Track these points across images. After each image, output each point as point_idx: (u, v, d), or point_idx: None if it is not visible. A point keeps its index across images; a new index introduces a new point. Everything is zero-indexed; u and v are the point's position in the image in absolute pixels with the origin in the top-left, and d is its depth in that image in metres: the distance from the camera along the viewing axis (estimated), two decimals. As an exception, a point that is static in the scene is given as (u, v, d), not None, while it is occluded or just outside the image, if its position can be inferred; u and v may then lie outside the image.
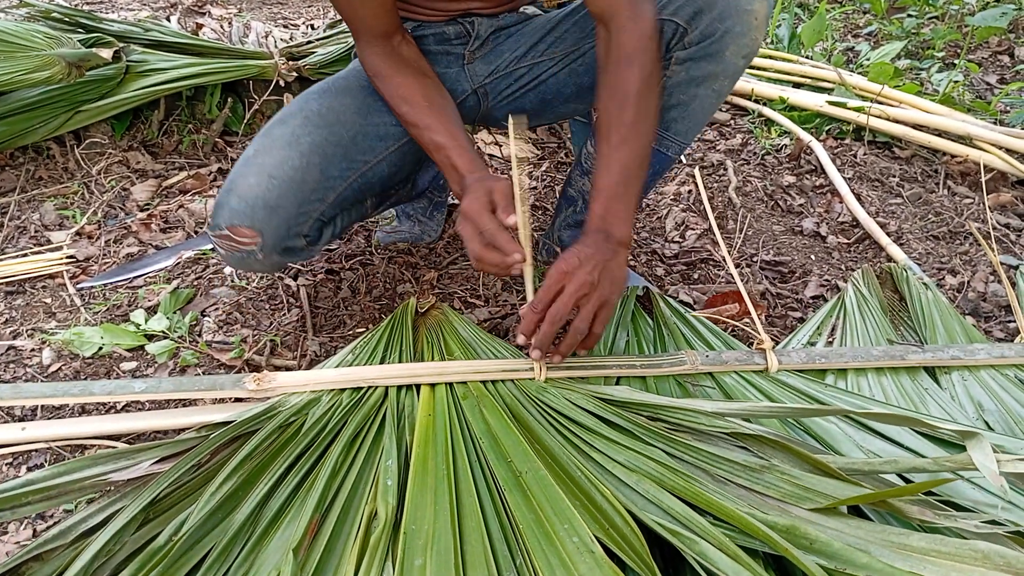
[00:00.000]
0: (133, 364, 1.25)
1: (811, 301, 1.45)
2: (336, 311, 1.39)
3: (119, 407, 1.16)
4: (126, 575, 0.72)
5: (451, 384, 1.04)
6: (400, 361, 1.11)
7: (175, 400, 1.14)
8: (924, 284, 1.36)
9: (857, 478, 0.79)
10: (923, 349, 1.16)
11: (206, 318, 1.36)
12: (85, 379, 1.22)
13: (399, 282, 1.47)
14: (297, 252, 1.17)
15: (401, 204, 1.56)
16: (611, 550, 0.71)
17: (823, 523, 0.72)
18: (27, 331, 1.33)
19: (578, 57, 1.23)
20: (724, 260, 1.42)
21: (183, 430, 1.07)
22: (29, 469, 1.05)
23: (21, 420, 1.13)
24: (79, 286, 1.45)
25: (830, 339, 1.26)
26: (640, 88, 1.01)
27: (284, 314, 1.37)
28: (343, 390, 1.04)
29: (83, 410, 1.15)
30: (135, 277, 1.48)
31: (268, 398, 1.04)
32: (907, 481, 0.85)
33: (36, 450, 1.07)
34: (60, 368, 1.24)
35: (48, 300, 1.42)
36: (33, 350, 1.28)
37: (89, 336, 1.27)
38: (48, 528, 0.96)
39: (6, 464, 1.06)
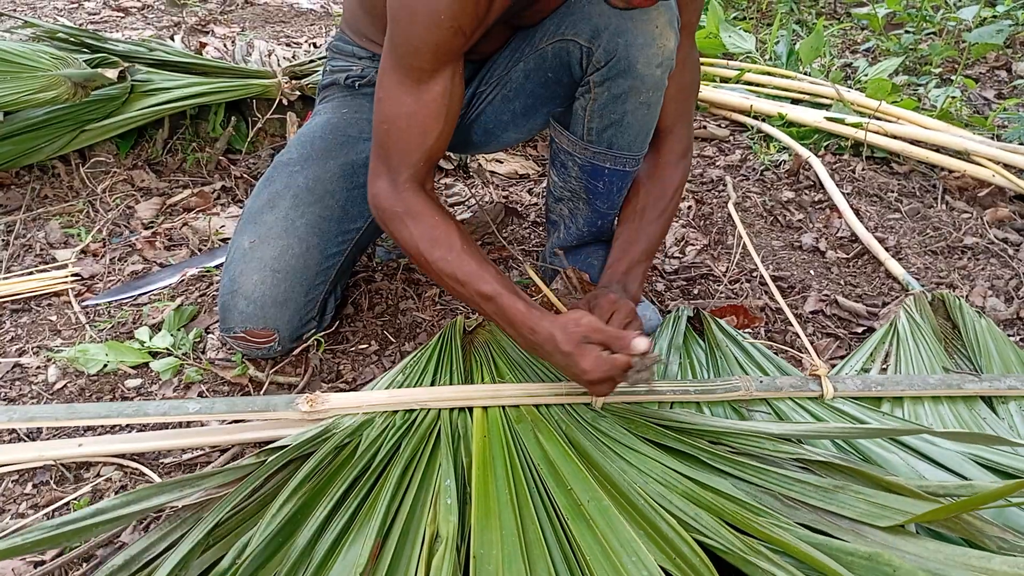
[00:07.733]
0: (138, 381, 1.26)
1: (810, 316, 1.46)
2: (339, 327, 1.40)
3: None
4: None
5: (503, 406, 1.04)
6: (451, 382, 1.11)
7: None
8: (978, 312, 1.34)
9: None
10: (980, 378, 1.15)
11: (210, 335, 1.37)
12: (92, 396, 1.23)
13: (401, 298, 1.48)
14: (310, 331, 1.22)
15: None
16: None
17: (901, 547, 0.70)
18: (32, 349, 1.34)
19: (508, 84, 1.25)
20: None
21: (233, 446, 1.10)
22: (34, 486, 1.06)
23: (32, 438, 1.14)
24: (84, 304, 1.46)
25: (884, 366, 1.24)
26: (678, 186, 1.24)
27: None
28: (395, 411, 1.04)
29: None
30: (140, 295, 1.49)
31: (321, 420, 1.04)
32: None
33: (41, 467, 1.08)
34: (65, 385, 1.25)
35: (53, 318, 1.43)
36: (39, 368, 1.29)
37: (94, 353, 1.28)
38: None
39: (12, 481, 1.07)
